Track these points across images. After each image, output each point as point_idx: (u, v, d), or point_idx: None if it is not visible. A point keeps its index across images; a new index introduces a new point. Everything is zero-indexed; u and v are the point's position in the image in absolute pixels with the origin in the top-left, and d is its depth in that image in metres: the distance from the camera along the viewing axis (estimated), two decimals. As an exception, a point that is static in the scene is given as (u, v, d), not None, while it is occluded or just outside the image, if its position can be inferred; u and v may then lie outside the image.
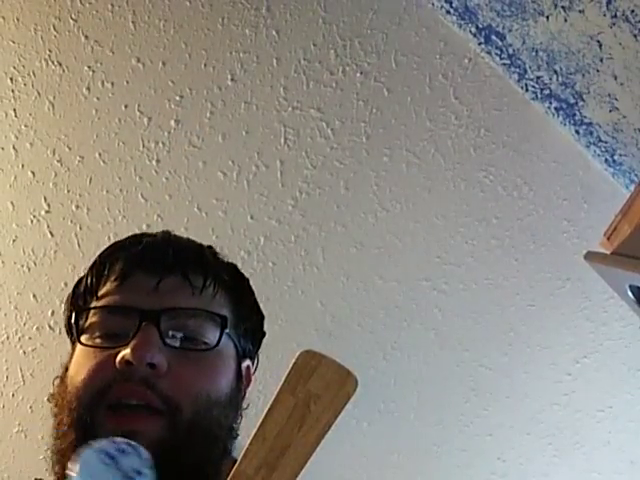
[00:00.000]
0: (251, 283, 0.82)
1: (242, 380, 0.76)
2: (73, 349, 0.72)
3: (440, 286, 1.76)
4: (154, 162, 1.65)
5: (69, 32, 1.56)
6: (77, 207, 1.68)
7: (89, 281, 0.75)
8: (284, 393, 0.86)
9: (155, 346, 0.65)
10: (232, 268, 0.80)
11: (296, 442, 0.77)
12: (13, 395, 1.83)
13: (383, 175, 1.66)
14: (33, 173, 1.65)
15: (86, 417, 0.64)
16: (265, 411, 0.89)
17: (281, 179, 1.66)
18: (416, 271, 1.75)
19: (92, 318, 0.70)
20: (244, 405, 0.77)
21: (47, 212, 1.68)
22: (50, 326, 1.74)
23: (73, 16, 1.55)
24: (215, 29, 1.55)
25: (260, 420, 0.77)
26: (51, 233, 1.70)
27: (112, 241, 1.73)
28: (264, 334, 0.83)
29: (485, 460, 1.99)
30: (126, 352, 0.64)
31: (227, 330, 0.71)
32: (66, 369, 0.71)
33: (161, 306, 0.68)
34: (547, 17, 1.35)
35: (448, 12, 1.50)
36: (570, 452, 1.96)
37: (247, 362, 0.78)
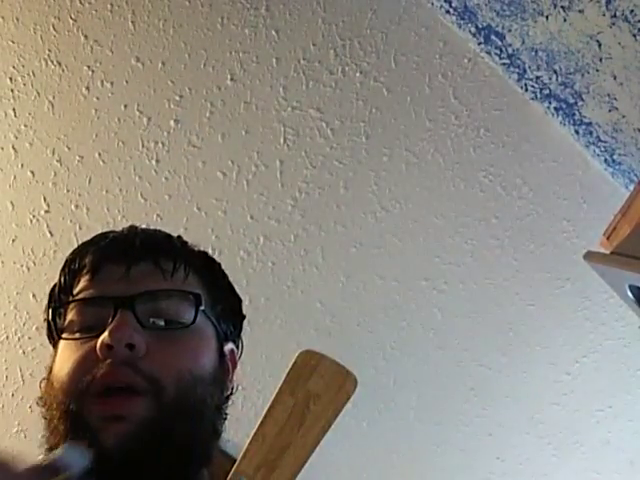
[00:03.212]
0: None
1: (226, 362, 0.77)
2: (55, 349, 0.73)
3: (440, 286, 1.76)
4: (154, 162, 1.65)
5: (68, 32, 1.56)
6: (76, 207, 1.68)
7: (62, 280, 0.77)
8: (284, 393, 0.86)
9: (132, 327, 0.67)
10: (202, 253, 0.82)
11: (296, 442, 0.77)
12: (13, 395, 1.83)
13: (383, 175, 1.66)
14: (32, 173, 1.65)
15: (74, 407, 0.65)
16: (265, 411, 0.89)
17: (281, 179, 1.66)
18: (416, 271, 1.75)
19: (69, 314, 0.72)
20: (231, 388, 0.78)
21: (46, 212, 1.68)
22: (49, 326, 1.74)
23: (72, 16, 1.55)
24: (214, 29, 1.55)
25: (260, 420, 0.77)
26: (50, 233, 1.70)
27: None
28: (243, 317, 0.84)
29: (484, 460, 1.99)
30: (104, 336, 0.65)
31: (202, 308, 0.73)
32: (50, 370, 0.72)
33: (134, 291, 0.69)
34: (546, 17, 1.35)
35: (447, 12, 1.50)
36: (569, 452, 1.96)
37: (230, 345, 0.79)
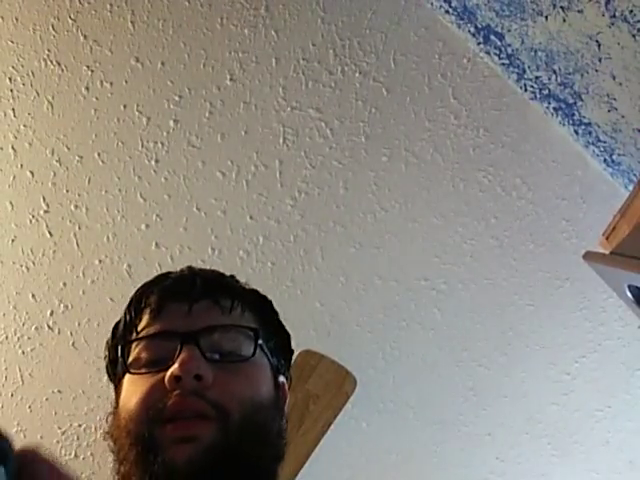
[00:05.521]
0: (273, 302, 0.88)
1: (280, 392, 0.82)
2: (120, 385, 0.78)
3: (439, 286, 1.76)
4: (153, 162, 1.65)
5: (68, 32, 1.56)
6: (76, 207, 1.68)
7: (127, 318, 0.82)
8: (283, 393, 0.85)
9: (199, 360, 0.72)
10: (255, 291, 0.88)
11: (295, 442, 0.77)
12: (12, 395, 1.83)
13: (382, 175, 1.66)
14: (32, 173, 1.65)
15: (145, 433, 0.70)
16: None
17: (280, 179, 1.66)
18: (415, 271, 1.75)
19: (135, 350, 0.77)
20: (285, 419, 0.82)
21: (46, 212, 1.68)
22: (49, 326, 1.74)
23: (72, 16, 1.55)
24: (214, 29, 1.55)
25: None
26: (50, 233, 1.70)
27: (110, 241, 1.73)
28: (292, 351, 0.89)
29: (484, 460, 1.99)
30: (174, 368, 0.71)
31: (260, 342, 0.78)
32: (117, 404, 0.77)
33: (197, 327, 0.75)
34: (546, 17, 1.35)
35: (447, 12, 1.51)
36: (569, 452, 1.96)
37: (282, 378, 0.84)
